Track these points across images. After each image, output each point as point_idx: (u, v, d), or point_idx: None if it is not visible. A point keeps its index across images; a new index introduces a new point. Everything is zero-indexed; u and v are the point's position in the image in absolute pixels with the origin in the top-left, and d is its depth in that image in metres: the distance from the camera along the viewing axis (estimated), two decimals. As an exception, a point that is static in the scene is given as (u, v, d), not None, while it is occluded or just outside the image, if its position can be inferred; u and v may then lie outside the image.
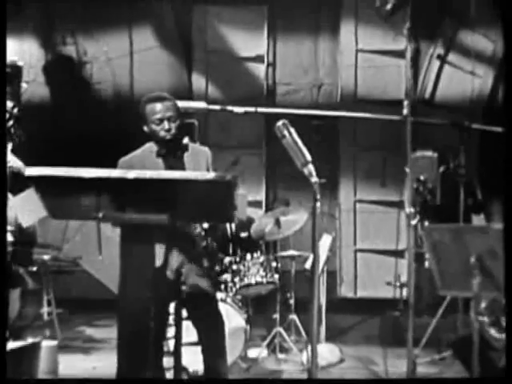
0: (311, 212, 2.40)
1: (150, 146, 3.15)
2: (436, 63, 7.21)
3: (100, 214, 2.35)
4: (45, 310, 4.97)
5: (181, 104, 3.34)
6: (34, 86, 6.77)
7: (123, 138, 6.42)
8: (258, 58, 7.05)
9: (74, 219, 3.90)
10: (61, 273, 5.76)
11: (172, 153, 3.11)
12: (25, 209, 3.95)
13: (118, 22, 6.85)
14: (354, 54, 7.05)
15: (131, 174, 2.27)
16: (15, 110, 4.04)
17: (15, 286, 4.25)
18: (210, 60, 7.01)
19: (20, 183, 4.06)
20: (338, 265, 6.89)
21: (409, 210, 3.67)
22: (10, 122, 3.26)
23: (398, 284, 5.59)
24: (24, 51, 6.83)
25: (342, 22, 7.07)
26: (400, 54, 7.08)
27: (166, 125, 3.07)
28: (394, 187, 7.02)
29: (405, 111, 3.21)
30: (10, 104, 3.84)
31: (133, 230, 2.72)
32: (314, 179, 2.41)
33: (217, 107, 3.76)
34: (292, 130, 2.47)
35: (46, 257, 5.09)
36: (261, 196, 7.00)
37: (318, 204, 2.41)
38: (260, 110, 3.67)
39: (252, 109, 3.77)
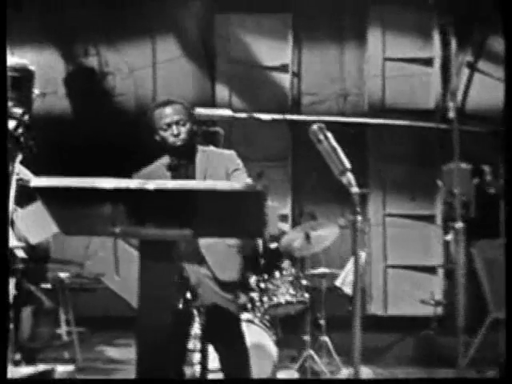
0: (351, 227, 2.15)
1: (164, 159, 2.93)
2: (466, 71, 6.97)
3: (117, 230, 2.13)
4: (63, 329, 4.78)
5: (205, 111, 3.12)
6: (54, 98, 6.68)
7: (145, 152, 6.37)
8: (283, 68, 6.90)
9: (88, 235, 3.68)
10: (83, 290, 5.59)
11: (184, 162, 2.87)
12: (32, 224, 3.76)
13: (140, 33, 6.75)
14: (381, 62, 6.89)
15: (151, 185, 2.02)
16: (26, 117, 3.85)
17: (26, 304, 4.05)
18: (234, 70, 6.87)
19: (31, 197, 3.92)
20: (368, 281, 6.65)
21: (449, 225, 3.42)
22: (20, 130, 3.06)
23: (432, 302, 5.31)
24: (44, 63, 6.72)
25: (369, 30, 6.92)
26: (428, 62, 6.93)
27: (174, 129, 2.83)
28: (425, 200, 6.78)
29: (450, 115, 2.97)
30: (19, 110, 3.65)
31: (152, 245, 2.50)
32: (354, 189, 2.15)
33: (243, 115, 3.52)
34: (329, 134, 2.23)
35: (62, 274, 4.90)
36: (286, 210, 6.80)
37: (359, 217, 2.16)
38: (288, 117, 3.43)
39: (279, 116, 3.54)
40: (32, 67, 3.23)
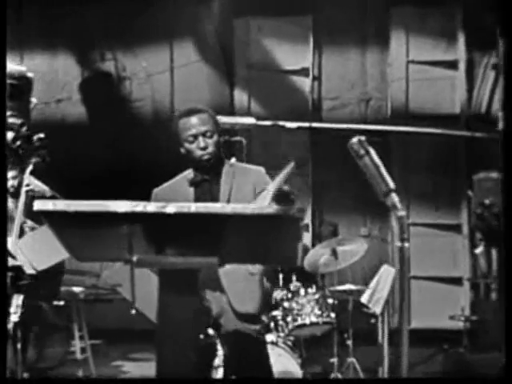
0: (399, 256, 1.94)
1: (188, 173, 2.71)
2: (491, 74, 6.74)
3: (134, 258, 1.95)
4: (77, 347, 4.60)
5: (227, 120, 2.92)
6: (68, 104, 6.60)
7: (163, 160, 6.21)
8: (303, 71, 6.73)
9: (102, 261, 3.49)
10: (99, 301, 5.43)
11: (208, 177, 2.65)
12: (38, 250, 3.57)
13: (158, 37, 6.59)
14: (405, 65, 6.69)
15: (171, 209, 1.83)
16: (24, 129, 3.62)
17: (35, 323, 3.85)
18: (253, 74, 6.71)
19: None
20: (391, 293, 6.41)
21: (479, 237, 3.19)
22: (18, 143, 2.86)
23: (462, 318, 5.08)
24: (57, 68, 6.62)
25: (392, 32, 6.71)
26: (453, 65, 6.72)
27: (201, 142, 2.60)
28: (450, 209, 6.55)
29: (500, 125, 2.74)
30: (17, 121, 3.43)
31: (174, 275, 2.30)
32: (400, 213, 1.93)
33: (267, 123, 3.31)
34: (370, 149, 2.01)
35: (76, 289, 4.73)
36: (307, 219, 6.58)
37: (407, 245, 1.95)
38: (314, 125, 3.22)
39: (306, 124, 3.32)
40: (30, 74, 3.04)
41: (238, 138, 3.68)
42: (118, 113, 6.66)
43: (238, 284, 2.52)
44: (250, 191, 2.65)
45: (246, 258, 2.08)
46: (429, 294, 6.41)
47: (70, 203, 1.85)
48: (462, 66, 6.68)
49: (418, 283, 6.44)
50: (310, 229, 6.61)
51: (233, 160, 3.38)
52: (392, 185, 1.98)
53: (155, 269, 2.23)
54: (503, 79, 2.58)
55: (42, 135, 3.86)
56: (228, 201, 2.61)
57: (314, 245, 6.71)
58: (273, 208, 1.84)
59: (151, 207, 1.83)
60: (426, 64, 6.66)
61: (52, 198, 3.81)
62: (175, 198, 2.61)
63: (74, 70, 6.74)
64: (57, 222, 1.90)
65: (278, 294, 3.89)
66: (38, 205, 1.84)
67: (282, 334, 3.75)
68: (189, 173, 2.71)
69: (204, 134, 2.62)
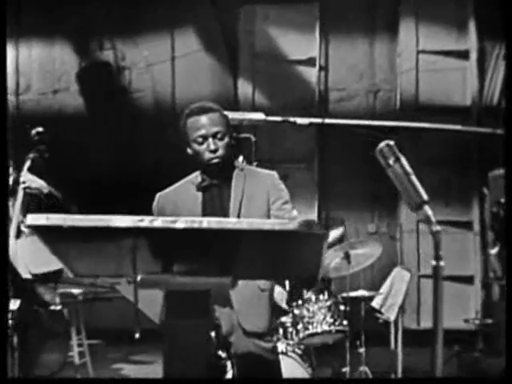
0: (434, 277, 1.72)
1: (195, 176, 2.49)
2: (503, 64, 6.52)
3: (138, 277, 1.73)
4: (75, 351, 4.40)
5: (234, 115, 2.69)
6: (66, 95, 6.40)
7: (165, 152, 6.02)
8: (310, 61, 6.52)
9: (102, 277, 3.29)
10: (97, 300, 5.23)
11: (217, 182, 2.44)
12: (34, 254, 3.37)
13: (158, 25, 6.38)
14: (415, 55, 6.48)
15: (180, 224, 1.60)
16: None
17: (32, 329, 3.66)
18: (257, 64, 6.50)
19: (40, 205, 3.59)
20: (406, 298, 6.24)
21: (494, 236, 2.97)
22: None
23: (477, 322, 4.88)
24: (54, 57, 6.42)
25: (401, 20, 6.50)
26: (464, 55, 6.52)
27: (210, 144, 2.39)
28: (461, 206, 6.34)
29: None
30: None
31: (182, 297, 2.07)
32: (435, 227, 1.70)
33: (277, 119, 3.07)
34: (401, 155, 1.77)
35: (75, 291, 4.53)
36: (313, 215, 6.38)
37: (442, 263, 1.73)
38: (328, 121, 2.99)
39: (318, 120, 3.09)
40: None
41: (246, 135, 3.47)
42: (118, 104, 6.47)
43: (247, 300, 2.30)
44: (263, 197, 2.43)
45: (262, 275, 1.86)
46: (439, 293, 6.22)
47: (65, 217, 1.62)
48: (473, 55, 6.51)
49: (428, 282, 6.24)
50: (317, 225, 6.40)
51: (240, 159, 3.15)
52: (425, 196, 1.75)
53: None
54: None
55: (40, 129, 3.68)
56: (239, 207, 2.39)
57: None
58: (295, 224, 1.62)
59: (158, 222, 1.61)
60: (436, 54, 6.46)
61: (49, 194, 3.66)
62: (181, 203, 2.39)
63: (71, 59, 6.54)
64: (51, 236, 1.68)
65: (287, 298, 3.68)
66: (29, 219, 1.62)
67: (291, 342, 3.55)
68: (196, 176, 2.49)
69: (214, 136, 2.40)
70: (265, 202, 2.42)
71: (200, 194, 2.42)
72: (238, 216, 2.36)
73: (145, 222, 1.62)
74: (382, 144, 1.81)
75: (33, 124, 3.79)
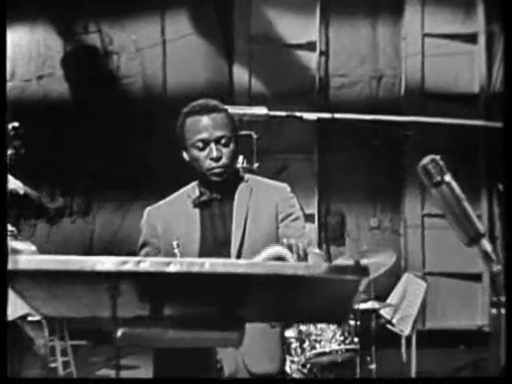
0: (496, 324, 1.40)
1: (192, 188, 2.11)
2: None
3: (119, 332, 1.36)
4: (59, 362, 4.10)
5: (234, 111, 2.31)
6: (51, 81, 6.16)
7: (155, 141, 5.75)
8: (310, 46, 6.29)
9: (76, 324, 2.97)
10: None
11: (218, 196, 2.07)
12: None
13: (148, 7, 6.13)
14: (420, 39, 6.27)
15: (174, 266, 1.26)
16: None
17: (10, 342, 3.34)
18: (254, 49, 6.26)
19: (16, 206, 3.50)
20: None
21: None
22: None
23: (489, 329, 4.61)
24: (38, 41, 6.16)
25: (406, 2, 6.30)
26: (472, 39, 6.33)
27: (213, 150, 2.00)
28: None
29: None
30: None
31: (176, 356, 1.69)
32: (496, 267, 1.37)
33: (282, 113, 2.71)
34: (448, 174, 1.44)
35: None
36: (312, 208, 6.12)
37: (503, 311, 1.41)
38: (337, 116, 2.63)
39: (327, 115, 2.73)
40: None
41: (246, 132, 3.13)
42: (106, 90, 6.22)
43: (255, 339, 1.91)
44: (271, 214, 2.04)
45: (278, 320, 1.52)
46: (445, 292, 5.98)
47: (31, 259, 1.27)
48: (481, 39, 6.31)
49: (434, 280, 5.98)
50: (316, 219, 6.17)
51: (240, 159, 2.80)
52: (482, 228, 1.41)
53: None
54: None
55: (16, 124, 3.45)
56: (244, 226, 2.02)
57: (320, 236, 6.28)
58: (322, 268, 1.28)
59: (146, 265, 1.26)
60: (443, 37, 6.26)
61: (25, 196, 3.53)
62: (175, 222, 2.03)
63: (56, 43, 6.29)
64: (17, 281, 1.33)
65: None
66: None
67: (296, 359, 3.24)
68: (193, 188, 2.10)
69: (218, 141, 2.01)
70: (273, 220, 2.04)
71: (197, 211, 2.05)
72: (242, 237, 2.00)
73: (129, 264, 1.27)
74: (427, 159, 1.47)
75: (18, 114, 3.58)
